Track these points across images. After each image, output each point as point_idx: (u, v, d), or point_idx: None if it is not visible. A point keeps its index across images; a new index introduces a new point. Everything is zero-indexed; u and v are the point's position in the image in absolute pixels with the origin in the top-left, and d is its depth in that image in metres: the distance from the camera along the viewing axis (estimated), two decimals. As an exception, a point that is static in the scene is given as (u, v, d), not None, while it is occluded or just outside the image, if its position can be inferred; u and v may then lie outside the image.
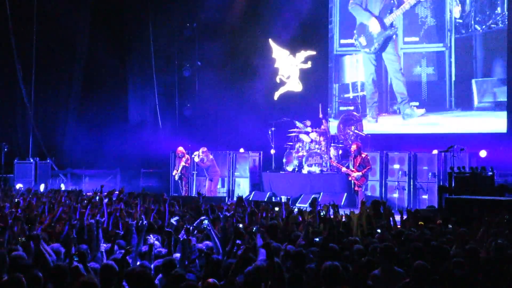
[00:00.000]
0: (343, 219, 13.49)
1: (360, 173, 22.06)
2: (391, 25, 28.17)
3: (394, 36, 28.22)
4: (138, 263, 9.69)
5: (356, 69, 29.18)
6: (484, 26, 26.86)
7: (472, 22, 26.99)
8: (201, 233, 11.29)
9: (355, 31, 28.93)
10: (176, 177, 25.39)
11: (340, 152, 25.13)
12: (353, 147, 22.67)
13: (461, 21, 27.15)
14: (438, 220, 12.93)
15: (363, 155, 22.39)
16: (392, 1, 28.06)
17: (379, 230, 11.83)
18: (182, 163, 25.04)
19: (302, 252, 9.25)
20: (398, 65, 28.20)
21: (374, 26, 28.37)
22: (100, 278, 8.25)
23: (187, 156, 25.19)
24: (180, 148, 25.28)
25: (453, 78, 27.29)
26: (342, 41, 29.48)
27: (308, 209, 15.44)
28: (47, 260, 8.91)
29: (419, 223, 12.42)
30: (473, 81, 26.94)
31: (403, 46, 28.21)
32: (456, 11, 27.11)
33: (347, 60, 29.46)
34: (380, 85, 28.58)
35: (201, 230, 11.10)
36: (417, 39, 27.93)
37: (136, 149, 28.83)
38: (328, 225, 11.73)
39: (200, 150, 24.82)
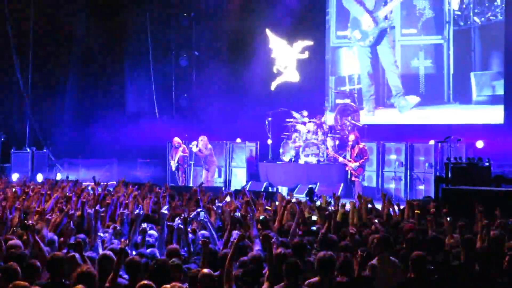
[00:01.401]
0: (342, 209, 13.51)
1: (357, 164, 22.10)
2: (386, 17, 28.11)
3: (388, 29, 28.18)
4: (134, 252, 9.72)
5: (352, 62, 29.11)
6: (482, 19, 26.74)
7: (471, 14, 26.89)
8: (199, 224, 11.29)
9: (349, 24, 28.91)
10: (173, 168, 25.41)
11: (337, 142, 25.12)
12: (351, 137, 22.70)
13: (459, 13, 27.04)
14: (432, 208, 12.93)
15: (361, 146, 22.42)
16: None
17: (376, 221, 11.86)
18: (180, 153, 25.04)
19: (303, 242, 9.29)
20: (392, 58, 28.13)
21: (367, 22, 28.32)
22: (98, 268, 8.27)
23: (183, 146, 25.20)
24: (176, 138, 25.30)
25: (451, 71, 27.12)
26: (339, 33, 29.38)
27: (305, 199, 15.49)
28: (42, 250, 8.93)
29: (415, 211, 12.43)
30: (472, 74, 26.87)
31: (401, 38, 28.09)
32: (455, 3, 27.01)
33: (343, 52, 29.36)
34: (376, 78, 28.47)
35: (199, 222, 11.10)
36: (415, 31, 27.81)
37: (133, 138, 28.77)
38: (325, 215, 11.75)
39: (200, 139, 24.77)
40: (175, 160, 25.20)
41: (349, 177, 23.14)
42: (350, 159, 22.36)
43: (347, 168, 22.62)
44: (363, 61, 28.71)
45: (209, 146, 24.86)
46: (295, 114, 25.84)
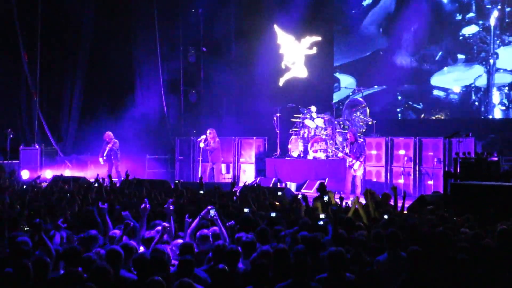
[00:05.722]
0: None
1: (358, 162, 22.22)
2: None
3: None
4: (141, 248, 9.77)
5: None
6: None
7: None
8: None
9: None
10: (101, 162, 25.34)
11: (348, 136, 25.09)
12: (349, 135, 22.93)
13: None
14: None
15: (360, 141, 22.57)
16: None
17: (386, 216, 11.85)
18: (109, 146, 25.05)
19: (317, 238, 9.33)
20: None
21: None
22: (106, 262, 8.32)
23: (115, 140, 25.17)
24: (108, 133, 25.32)
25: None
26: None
27: (316, 194, 15.47)
28: (49, 248, 8.98)
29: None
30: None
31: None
32: None
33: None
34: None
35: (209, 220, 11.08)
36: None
37: (141, 135, 28.76)
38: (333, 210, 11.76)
39: (208, 132, 24.75)
40: (104, 155, 25.17)
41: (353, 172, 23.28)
42: (349, 154, 22.50)
43: (348, 164, 22.68)
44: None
45: (217, 139, 24.84)
46: (303, 110, 25.89)
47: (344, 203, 13.84)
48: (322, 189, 14.75)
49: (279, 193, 15.70)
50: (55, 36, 29.00)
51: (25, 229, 10.77)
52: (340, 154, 23.25)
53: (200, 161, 25.86)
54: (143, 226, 10.44)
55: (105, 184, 16.90)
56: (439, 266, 8.60)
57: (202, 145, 24.76)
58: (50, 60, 29.00)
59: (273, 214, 11.65)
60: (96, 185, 16.43)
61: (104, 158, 25.20)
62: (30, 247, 8.94)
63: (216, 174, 24.78)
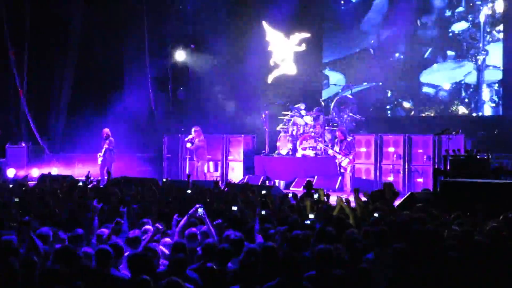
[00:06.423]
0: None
1: (347, 160, 22.25)
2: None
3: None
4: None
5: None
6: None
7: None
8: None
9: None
10: (99, 161, 24.98)
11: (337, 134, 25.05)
12: (337, 133, 23.19)
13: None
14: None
15: (349, 139, 22.68)
16: None
17: (376, 214, 11.75)
18: (105, 146, 24.75)
19: (298, 236, 9.24)
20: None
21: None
22: (95, 262, 8.25)
23: (111, 138, 24.86)
24: (105, 130, 25.08)
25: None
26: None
27: (303, 191, 15.40)
28: (37, 246, 8.88)
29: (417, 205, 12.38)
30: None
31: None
32: None
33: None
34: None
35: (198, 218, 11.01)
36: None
37: (129, 132, 28.62)
38: (322, 208, 11.70)
39: (193, 130, 24.67)
40: (101, 154, 24.81)
41: (338, 169, 23.28)
42: (339, 152, 22.49)
43: (336, 160, 22.77)
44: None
45: (202, 137, 24.74)
46: (291, 107, 25.81)
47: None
48: (308, 187, 14.68)
49: (263, 192, 15.51)
50: (43, 33, 28.81)
51: (13, 225, 10.66)
52: (330, 152, 23.24)
53: (187, 159, 25.78)
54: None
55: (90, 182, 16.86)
56: (429, 264, 8.53)
57: (189, 145, 24.71)
58: (38, 58, 28.82)
59: (263, 212, 11.56)
60: (80, 184, 16.35)
61: (101, 157, 24.83)
62: (16, 245, 8.84)
63: (200, 172, 24.68)
